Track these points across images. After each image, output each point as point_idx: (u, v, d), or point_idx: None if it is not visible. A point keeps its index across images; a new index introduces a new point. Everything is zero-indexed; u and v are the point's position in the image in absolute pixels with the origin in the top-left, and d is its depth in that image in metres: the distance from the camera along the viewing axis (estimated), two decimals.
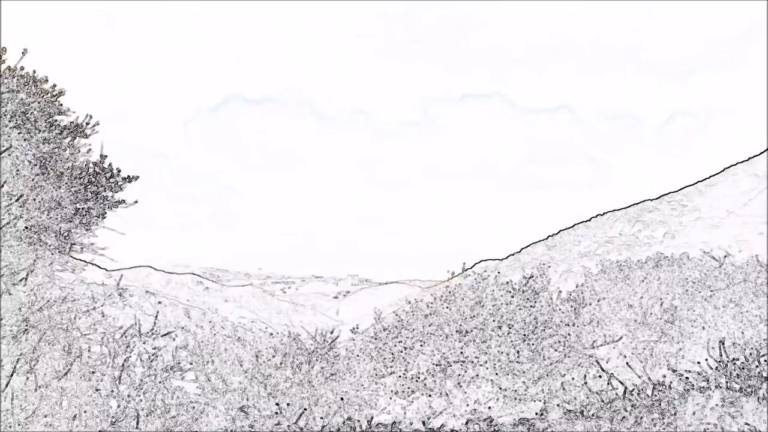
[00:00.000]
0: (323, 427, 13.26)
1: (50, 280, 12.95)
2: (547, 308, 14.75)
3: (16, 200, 12.64)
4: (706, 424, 11.37)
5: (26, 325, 12.19)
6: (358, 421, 13.55)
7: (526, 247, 16.85)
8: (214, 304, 16.05)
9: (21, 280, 12.46)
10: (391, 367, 14.66)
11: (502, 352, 14.40)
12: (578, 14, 18.71)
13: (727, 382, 11.73)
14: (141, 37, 18.17)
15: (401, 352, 14.83)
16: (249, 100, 18.86)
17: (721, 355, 12.30)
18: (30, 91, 13.32)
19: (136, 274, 15.52)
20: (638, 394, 12.01)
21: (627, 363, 13.54)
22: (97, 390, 12.36)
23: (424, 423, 13.61)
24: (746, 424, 11.19)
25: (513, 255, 16.77)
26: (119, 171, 14.13)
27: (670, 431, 11.52)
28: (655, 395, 11.85)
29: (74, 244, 13.78)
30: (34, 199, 13.01)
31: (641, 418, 11.73)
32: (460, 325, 14.87)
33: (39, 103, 13.34)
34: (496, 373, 14.23)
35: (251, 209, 18.53)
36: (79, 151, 13.88)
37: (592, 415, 12.08)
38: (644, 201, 16.76)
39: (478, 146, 19.12)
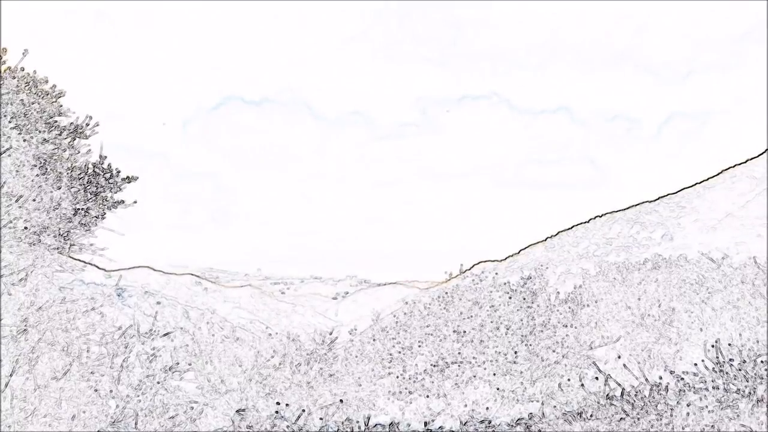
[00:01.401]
0: (321, 427, 13.29)
1: (49, 280, 12.97)
2: (545, 309, 14.78)
3: (16, 201, 12.66)
4: (702, 425, 11.40)
5: (25, 326, 12.21)
6: (357, 421, 13.58)
7: (525, 248, 16.87)
8: (213, 305, 16.06)
9: (20, 280, 12.48)
10: (389, 367, 14.69)
11: (499, 353, 14.43)
12: (577, 15, 18.73)
13: (724, 383, 11.77)
14: (140, 37, 18.18)
15: (399, 352, 14.86)
16: (248, 101, 18.87)
17: (718, 357, 12.34)
18: (30, 91, 13.34)
19: (134, 275, 15.52)
20: (635, 395, 12.05)
21: (624, 364, 13.57)
22: (95, 390, 12.38)
23: (426, 423, 13.64)
24: (742, 425, 11.22)
25: (511, 256, 16.78)
26: (119, 171, 14.16)
27: None
28: (653, 396, 11.89)
29: (73, 245, 13.80)
30: (34, 200, 13.03)
31: (638, 419, 11.77)
32: (458, 325, 14.89)
33: (39, 103, 13.36)
34: (494, 374, 14.26)
35: (250, 209, 18.53)
36: (79, 152, 13.90)
37: (590, 415, 12.11)
38: (643, 203, 16.78)
39: (476, 147, 19.13)
